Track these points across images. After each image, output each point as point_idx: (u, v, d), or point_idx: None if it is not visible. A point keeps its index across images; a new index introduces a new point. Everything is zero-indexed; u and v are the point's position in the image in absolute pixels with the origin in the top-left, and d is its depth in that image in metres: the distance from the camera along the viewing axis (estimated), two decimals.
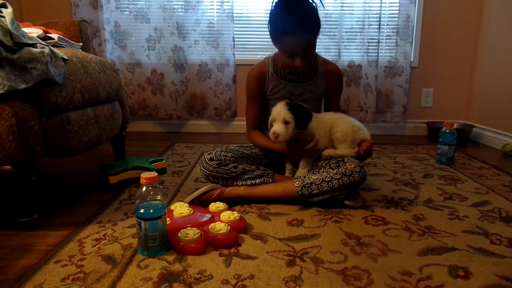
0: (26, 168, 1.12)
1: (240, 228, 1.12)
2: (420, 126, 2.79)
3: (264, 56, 1.53)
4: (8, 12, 1.16)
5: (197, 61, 2.69)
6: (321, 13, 1.39)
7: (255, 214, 1.26)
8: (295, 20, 1.28)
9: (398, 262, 0.97)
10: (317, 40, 1.39)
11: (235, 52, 2.67)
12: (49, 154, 1.21)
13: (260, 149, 1.51)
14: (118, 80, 1.65)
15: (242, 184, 1.37)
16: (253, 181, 1.37)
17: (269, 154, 1.52)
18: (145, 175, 0.97)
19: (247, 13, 2.71)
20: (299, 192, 1.29)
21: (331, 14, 2.58)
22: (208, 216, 1.16)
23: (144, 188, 0.97)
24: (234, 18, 2.63)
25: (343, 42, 2.61)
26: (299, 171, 1.41)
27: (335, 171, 1.27)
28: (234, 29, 2.64)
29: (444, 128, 1.90)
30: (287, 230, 1.15)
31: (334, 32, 2.60)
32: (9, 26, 1.11)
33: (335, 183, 1.26)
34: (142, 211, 0.96)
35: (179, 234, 1.02)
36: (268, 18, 1.37)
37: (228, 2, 2.58)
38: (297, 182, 1.30)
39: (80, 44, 1.74)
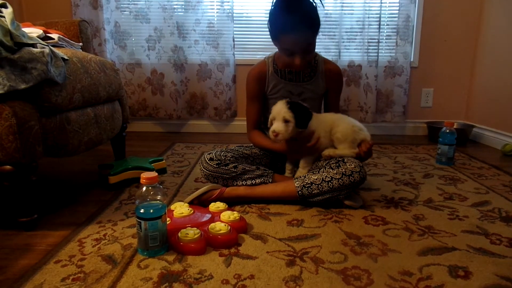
0: (26, 168, 1.12)
1: (240, 228, 1.12)
2: (420, 126, 2.79)
3: (264, 56, 1.53)
4: (8, 12, 1.16)
5: (197, 61, 2.69)
6: (321, 13, 1.39)
7: (255, 214, 1.26)
8: (295, 18, 1.28)
9: (398, 262, 0.97)
10: (317, 40, 1.39)
11: (235, 52, 2.68)
12: (49, 154, 1.21)
13: (260, 149, 1.51)
14: (118, 80, 1.65)
15: (242, 184, 1.37)
16: (253, 181, 1.37)
17: (269, 154, 1.52)
18: (145, 175, 0.97)
19: (247, 13, 2.71)
20: (299, 192, 1.29)
21: (331, 14, 2.58)
22: (208, 216, 1.16)
23: (144, 188, 0.97)
24: (234, 18, 2.63)
25: (343, 42, 2.61)
26: (299, 171, 1.41)
27: (335, 171, 1.27)
28: (234, 29, 2.64)
29: (444, 128, 1.90)
30: (287, 230, 1.15)
31: (334, 32, 2.60)
32: (9, 26, 1.11)
33: (335, 183, 1.26)
34: (142, 211, 0.96)
35: (179, 234, 1.02)
36: (268, 17, 1.37)
37: (228, 2, 2.58)
38: (297, 182, 1.30)
39: (80, 44, 1.74)
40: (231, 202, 1.32)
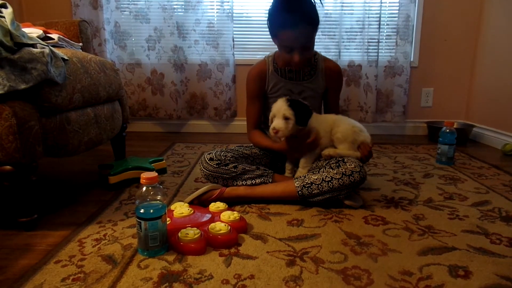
0: (26, 168, 1.12)
1: (240, 228, 1.12)
2: (420, 126, 2.79)
3: (264, 56, 1.53)
4: (8, 12, 1.16)
5: (197, 61, 2.69)
6: (321, 13, 1.39)
7: (255, 214, 1.26)
8: (294, 14, 1.28)
9: (398, 261, 0.97)
10: (317, 40, 1.40)
11: (234, 52, 2.68)
12: (49, 154, 1.21)
13: (260, 149, 1.51)
14: (118, 80, 1.65)
15: (242, 184, 1.37)
16: (253, 181, 1.37)
17: (269, 154, 1.52)
18: (145, 175, 0.97)
19: (247, 13, 2.71)
20: (299, 192, 1.29)
21: (331, 14, 2.58)
22: (208, 216, 1.16)
23: (144, 188, 0.97)
24: (234, 18, 2.63)
25: (343, 42, 2.61)
26: (299, 171, 1.41)
27: (335, 171, 1.27)
28: (234, 29, 2.64)
29: (444, 128, 1.90)
30: (287, 230, 1.15)
31: (334, 32, 2.60)
32: (9, 26, 1.11)
33: (335, 183, 1.26)
34: (142, 211, 0.96)
35: (179, 234, 1.02)
36: (267, 15, 1.37)
37: (228, 2, 2.58)
38: (297, 182, 1.30)
39: (80, 44, 1.74)
40: (231, 202, 1.32)
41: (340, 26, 2.58)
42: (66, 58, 1.27)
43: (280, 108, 1.30)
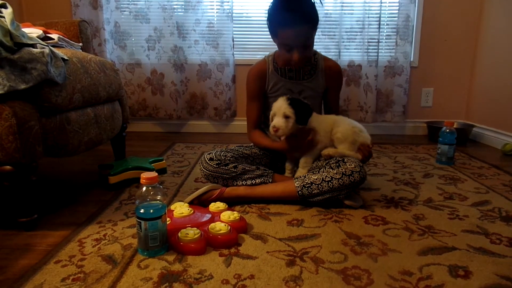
0: (26, 168, 1.12)
1: (240, 228, 1.12)
2: (420, 125, 2.79)
3: (264, 55, 1.53)
4: (8, 12, 1.16)
5: (197, 61, 2.69)
6: (321, 13, 1.39)
7: (255, 214, 1.26)
8: (293, 13, 1.29)
9: (398, 261, 0.97)
10: (317, 40, 1.40)
11: (234, 52, 2.68)
12: (49, 154, 1.21)
13: (260, 149, 1.51)
14: (118, 80, 1.65)
15: (242, 184, 1.37)
16: (253, 181, 1.37)
17: (269, 154, 1.52)
18: (145, 175, 0.97)
19: (246, 13, 2.71)
20: (299, 192, 1.29)
21: (331, 14, 2.58)
22: (208, 216, 1.16)
23: (144, 188, 0.97)
24: (234, 18, 2.63)
25: (343, 42, 2.61)
26: (299, 171, 1.41)
27: (335, 171, 1.27)
28: (234, 29, 2.64)
29: (444, 128, 1.90)
30: (287, 230, 1.15)
31: (334, 32, 2.60)
32: (9, 26, 1.11)
33: (335, 183, 1.26)
34: (142, 211, 0.96)
35: (179, 234, 1.02)
36: (267, 14, 1.37)
37: (228, 2, 2.58)
38: (297, 182, 1.30)
39: (80, 44, 1.74)
40: (231, 202, 1.32)
41: (340, 26, 2.58)
42: (66, 58, 1.27)
43: (280, 106, 1.30)
